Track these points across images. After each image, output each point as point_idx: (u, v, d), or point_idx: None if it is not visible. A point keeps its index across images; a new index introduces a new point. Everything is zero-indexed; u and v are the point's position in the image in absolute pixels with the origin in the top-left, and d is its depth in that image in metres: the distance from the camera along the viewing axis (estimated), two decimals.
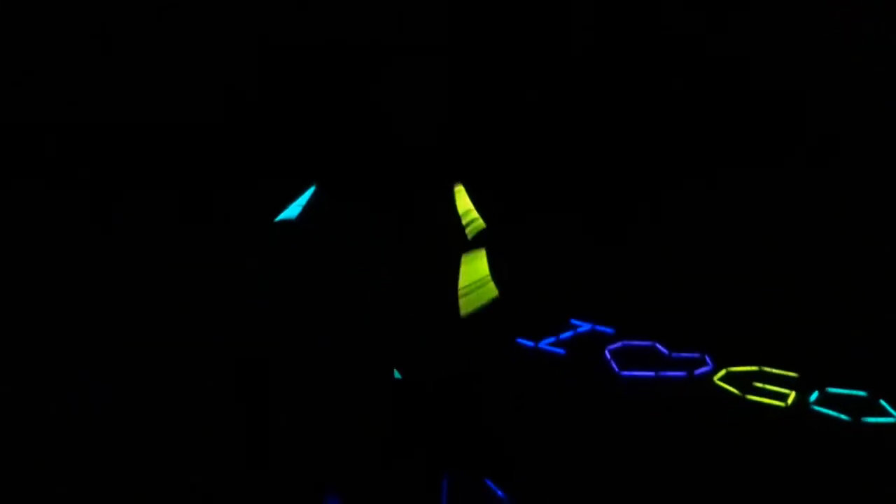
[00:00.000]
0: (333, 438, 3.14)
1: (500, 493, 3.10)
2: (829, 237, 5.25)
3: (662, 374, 4.15)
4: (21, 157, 5.57)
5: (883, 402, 3.82)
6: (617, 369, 4.21)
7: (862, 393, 3.90)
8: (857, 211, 5.48)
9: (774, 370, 4.11)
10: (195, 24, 5.66)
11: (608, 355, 4.36)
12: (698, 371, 4.17)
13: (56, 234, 5.18)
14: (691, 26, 5.88)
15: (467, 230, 2.88)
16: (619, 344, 4.45)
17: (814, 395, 3.91)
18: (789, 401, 3.86)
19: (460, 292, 2.82)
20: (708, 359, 4.26)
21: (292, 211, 3.04)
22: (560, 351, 4.44)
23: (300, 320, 4.26)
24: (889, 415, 3.75)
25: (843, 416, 3.74)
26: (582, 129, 5.98)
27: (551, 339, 4.52)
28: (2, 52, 5.59)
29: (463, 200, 2.91)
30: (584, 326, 4.66)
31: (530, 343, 4.47)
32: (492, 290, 2.94)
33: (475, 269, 2.91)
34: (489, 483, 3.12)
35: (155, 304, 4.64)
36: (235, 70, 5.69)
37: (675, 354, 4.34)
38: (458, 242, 2.95)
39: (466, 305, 2.84)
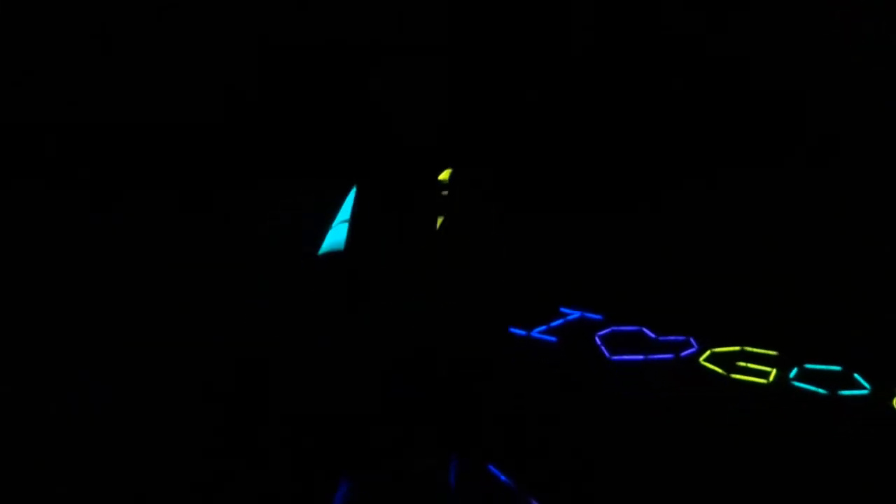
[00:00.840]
0: (335, 436, 3.14)
1: (503, 477, 3.14)
2: (827, 236, 5.33)
3: (651, 357, 4.31)
4: (21, 157, 5.57)
5: (856, 376, 4.05)
6: (608, 354, 4.36)
7: (837, 368, 4.13)
8: (858, 211, 5.51)
9: (756, 349, 4.32)
10: (195, 25, 5.67)
11: (598, 341, 4.49)
12: (684, 353, 4.35)
13: (56, 234, 5.18)
14: (691, 26, 5.89)
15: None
16: (608, 330, 4.60)
17: (793, 372, 4.11)
18: (771, 377, 4.07)
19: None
20: (693, 341, 4.43)
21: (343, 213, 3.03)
22: (552, 338, 4.55)
23: (300, 320, 4.26)
24: (862, 387, 3.97)
25: (821, 390, 3.94)
26: (582, 128, 5.99)
27: (543, 328, 4.63)
28: (2, 52, 5.60)
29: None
30: (574, 314, 4.79)
31: (523, 332, 4.57)
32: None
33: None
34: (493, 469, 3.15)
35: (155, 304, 4.64)
36: (235, 70, 5.70)
37: (661, 338, 4.51)
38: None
39: None
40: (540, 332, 4.60)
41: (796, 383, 4.01)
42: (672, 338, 4.48)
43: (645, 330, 4.59)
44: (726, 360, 4.26)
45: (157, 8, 5.70)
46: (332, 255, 2.81)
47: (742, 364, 4.20)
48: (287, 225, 4.98)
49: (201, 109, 5.66)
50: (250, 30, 5.73)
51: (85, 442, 3.36)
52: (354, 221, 2.85)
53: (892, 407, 3.77)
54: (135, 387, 3.78)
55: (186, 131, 5.62)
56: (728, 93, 5.89)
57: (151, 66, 5.71)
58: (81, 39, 5.66)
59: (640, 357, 4.32)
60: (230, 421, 3.51)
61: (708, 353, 4.32)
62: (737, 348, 4.35)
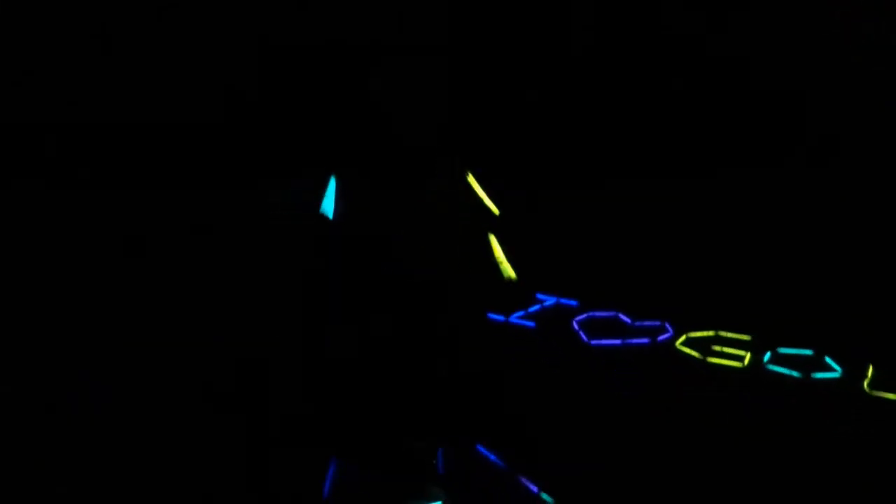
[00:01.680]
0: (333, 431, 3.15)
1: (492, 457, 3.17)
2: (824, 236, 5.41)
3: (628, 341, 4.42)
4: (21, 157, 5.57)
5: (827, 359, 4.17)
6: (586, 339, 4.46)
7: (808, 352, 4.26)
8: (858, 211, 5.54)
9: (730, 334, 4.45)
10: (195, 25, 5.66)
11: (576, 326, 4.60)
12: (661, 337, 4.46)
13: (56, 234, 5.18)
14: (691, 26, 5.90)
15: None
16: (584, 315, 4.71)
17: (767, 356, 4.23)
18: (746, 361, 4.19)
19: (497, 258, 2.93)
20: (668, 326, 4.55)
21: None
22: (530, 324, 4.64)
23: (300, 320, 4.26)
24: (833, 370, 4.10)
25: (794, 373, 4.06)
26: (581, 128, 5.99)
27: (521, 313, 4.74)
28: (2, 52, 5.59)
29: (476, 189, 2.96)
30: (550, 300, 4.91)
31: (501, 317, 4.66)
32: (509, 270, 3.04)
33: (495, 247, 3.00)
34: (481, 449, 3.18)
35: (155, 304, 4.64)
36: (235, 70, 5.70)
37: (637, 323, 4.62)
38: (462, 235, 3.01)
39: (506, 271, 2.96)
40: (518, 318, 4.68)
41: (771, 367, 4.11)
42: (648, 323, 4.59)
43: (620, 315, 4.69)
44: (701, 345, 4.36)
45: (157, 8, 5.70)
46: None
47: (717, 348, 4.30)
48: (287, 225, 4.99)
49: (201, 109, 5.66)
50: (250, 30, 5.73)
51: (85, 442, 3.36)
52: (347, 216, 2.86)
53: (863, 389, 3.90)
54: (135, 387, 3.78)
55: (186, 131, 5.62)
56: (728, 93, 5.90)
57: (151, 66, 5.71)
58: (81, 39, 5.66)
59: (618, 342, 4.41)
60: (230, 421, 3.51)
61: (683, 337, 4.42)
62: (711, 333, 4.46)
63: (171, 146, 5.63)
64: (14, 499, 3.03)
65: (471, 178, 2.99)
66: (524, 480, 3.09)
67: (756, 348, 4.28)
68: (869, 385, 3.91)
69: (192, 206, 5.39)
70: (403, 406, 2.83)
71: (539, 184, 5.74)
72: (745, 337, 4.39)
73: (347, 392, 2.87)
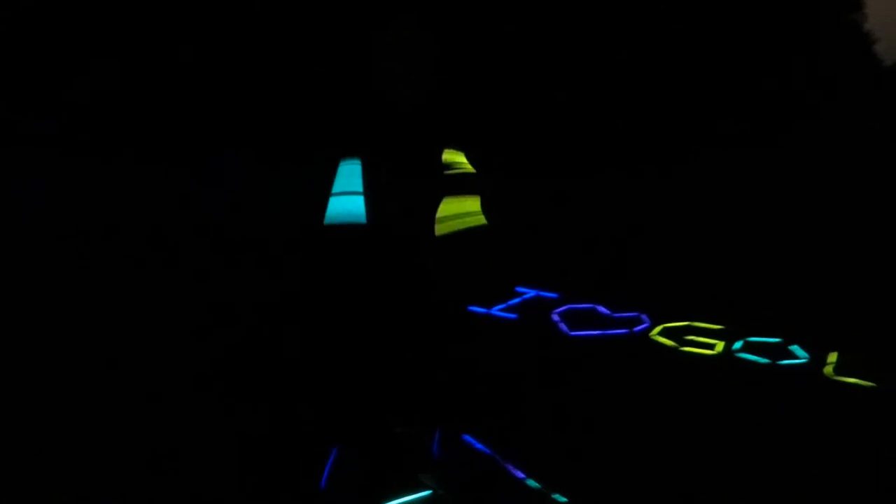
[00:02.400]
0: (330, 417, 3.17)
1: (479, 445, 3.19)
2: (792, 230, 5.55)
3: (607, 332, 4.53)
4: (21, 156, 5.59)
5: (794, 348, 4.30)
6: (566, 330, 4.53)
7: (777, 340, 4.38)
8: (826, 206, 5.64)
9: (703, 324, 4.57)
10: (195, 24, 5.68)
11: (556, 318, 4.67)
12: (637, 328, 4.57)
13: (56, 234, 5.19)
14: (690, 26, 5.93)
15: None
16: (564, 308, 4.79)
17: (738, 344, 4.35)
18: (717, 349, 4.30)
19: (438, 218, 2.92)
20: (644, 317, 4.65)
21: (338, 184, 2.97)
22: (512, 315, 4.71)
23: (300, 320, 4.28)
24: (799, 357, 4.23)
25: (763, 360, 4.18)
26: (565, 126, 6.05)
27: (502, 306, 4.80)
28: (1, 51, 5.61)
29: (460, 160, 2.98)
30: (530, 293, 4.98)
31: (483, 310, 4.72)
32: (480, 220, 3.04)
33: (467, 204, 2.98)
34: (468, 438, 3.21)
35: (154, 303, 4.65)
36: (234, 69, 5.72)
37: (615, 315, 4.74)
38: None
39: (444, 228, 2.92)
40: (500, 310, 4.75)
41: (741, 354, 4.24)
42: (625, 314, 4.70)
43: (599, 307, 4.79)
44: (676, 335, 4.47)
45: (157, 8, 5.72)
46: (336, 230, 2.85)
47: (691, 338, 4.43)
48: (285, 223, 5.01)
49: (201, 109, 5.68)
50: (248, 26, 5.75)
51: (85, 442, 3.36)
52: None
53: (825, 374, 4.04)
54: (133, 384, 3.78)
55: (186, 126, 5.64)
56: (727, 92, 5.92)
57: (151, 66, 5.72)
58: (81, 39, 5.67)
59: (598, 332, 4.51)
60: (229, 417, 3.51)
61: (659, 328, 4.54)
62: (685, 323, 4.58)
63: (170, 143, 5.65)
64: (14, 499, 3.03)
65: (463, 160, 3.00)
66: (510, 467, 3.12)
67: (727, 337, 4.41)
68: (833, 370, 4.06)
69: (191, 205, 5.41)
70: (394, 396, 2.85)
71: (522, 181, 5.80)
72: (718, 326, 4.53)
73: (340, 382, 2.89)
